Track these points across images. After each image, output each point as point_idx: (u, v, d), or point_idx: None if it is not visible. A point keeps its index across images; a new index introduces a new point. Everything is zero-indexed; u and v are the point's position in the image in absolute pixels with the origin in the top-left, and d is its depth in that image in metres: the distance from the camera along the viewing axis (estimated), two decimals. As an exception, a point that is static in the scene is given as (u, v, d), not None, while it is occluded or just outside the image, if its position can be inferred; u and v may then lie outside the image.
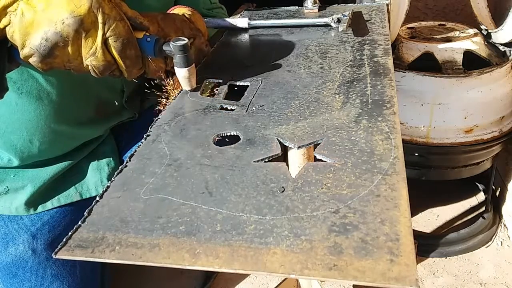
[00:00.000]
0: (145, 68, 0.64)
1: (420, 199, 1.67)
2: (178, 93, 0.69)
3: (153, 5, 0.84)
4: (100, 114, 0.84)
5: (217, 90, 0.70)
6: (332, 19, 0.89)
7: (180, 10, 0.79)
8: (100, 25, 0.54)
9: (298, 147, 0.53)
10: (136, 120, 0.91)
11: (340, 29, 0.87)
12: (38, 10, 0.51)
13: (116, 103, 0.86)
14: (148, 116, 0.78)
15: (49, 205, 0.79)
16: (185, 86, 0.68)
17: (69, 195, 0.80)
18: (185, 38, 0.63)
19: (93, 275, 0.86)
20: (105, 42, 0.55)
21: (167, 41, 0.63)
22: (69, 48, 0.54)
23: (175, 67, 0.65)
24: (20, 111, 0.71)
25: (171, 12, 0.78)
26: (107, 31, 0.54)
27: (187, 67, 0.65)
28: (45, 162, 0.79)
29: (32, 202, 0.78)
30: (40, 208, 0.78)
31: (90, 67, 0.56)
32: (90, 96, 0.80)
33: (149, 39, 0.60)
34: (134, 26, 0.59)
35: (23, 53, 0.53)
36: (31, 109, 0.72)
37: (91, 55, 0.55)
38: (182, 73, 0.66)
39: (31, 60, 0.54)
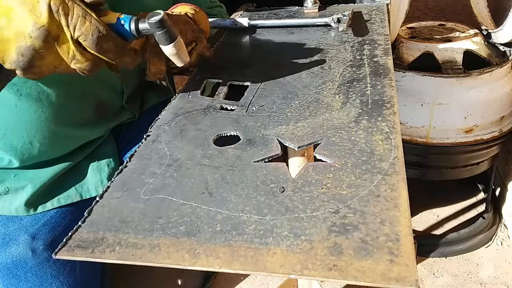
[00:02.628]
0: (147, 64, 0.61)
1: (420, 199, 1.67)
2: (178, 93, 0.69)
3: (151, 5, 0.82)
4: (100, 115, 0.83)
5: (217, 90, 0.69)
6: (332, 19, 0.89)
7: (183, 8, 0.77)
8: (65, 28, 0.50)
9: (298, 147, 0.52)
10: (136, 121, 0.91)
11: (340, 29, 0.87)
12: (2, 27, 0.49)
13: (116, 104, 0.86)
14: (148, 116, 0.78)
15: (49, 205, 0.79)
16: (177, 63, 0.59)
17: (69, 196, 0.80)
18: (160, 11, 0.54)
19: (93, 275, 0.86)
20: (78, 43, 0.52)
21: (141, 17, 0.54)
22: (48, 57, 0.52)
23: (160, 45, 0.57)
24: (20, 113, 0.71)
25: (173, 12, 0.76)
26: (74, 32, 0.51)
27: (170, 43, 0.56)
28: (45, 163, 0.79)
29: (32, 203, 0.78)
30: (40, 209, 0.78)
31: (77, 70, 0.54)
32: (90, 97, 0.80)
33: (123, 21, 0.53)
34: (102, 12, 0.53)
35: (6, 67, 0.51)
36: (31, 110, 0.72)
37: (71, 59, 0.53)
38: (168, 51, 0.57)
39: (17, 73, 0.52)
